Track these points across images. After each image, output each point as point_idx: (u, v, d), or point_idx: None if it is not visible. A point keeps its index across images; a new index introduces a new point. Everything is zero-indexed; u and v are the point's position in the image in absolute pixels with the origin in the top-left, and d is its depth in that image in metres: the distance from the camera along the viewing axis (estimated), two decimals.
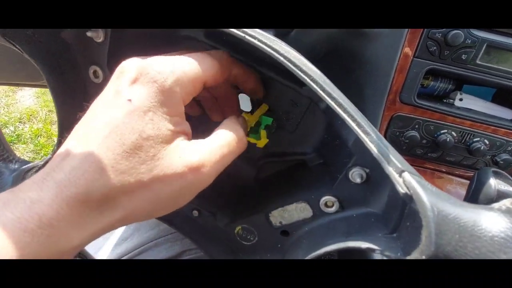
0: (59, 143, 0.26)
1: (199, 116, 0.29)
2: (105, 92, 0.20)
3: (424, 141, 0.38)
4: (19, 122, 1.50)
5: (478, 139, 0.37)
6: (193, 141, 0.21)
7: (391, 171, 0.16)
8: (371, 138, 0.16)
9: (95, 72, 0.26)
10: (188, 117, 0.22)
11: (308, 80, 0.18)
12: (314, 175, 0.26)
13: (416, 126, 0.38)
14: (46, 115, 1.58)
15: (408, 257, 0.14)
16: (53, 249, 0.16)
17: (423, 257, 0.13)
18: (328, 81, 0.20)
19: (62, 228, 0.16)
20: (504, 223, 0.13)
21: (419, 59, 0.35)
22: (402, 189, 0.15)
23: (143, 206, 0.19)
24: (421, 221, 0.13)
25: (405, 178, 0.15)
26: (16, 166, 0.24)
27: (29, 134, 1.49)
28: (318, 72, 0.20)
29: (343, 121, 0.17)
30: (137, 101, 0.18)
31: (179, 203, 0.20)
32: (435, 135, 0.38)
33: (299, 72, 0.18)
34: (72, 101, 0.26)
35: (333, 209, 0.23)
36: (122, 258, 0.38)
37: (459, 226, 0.13)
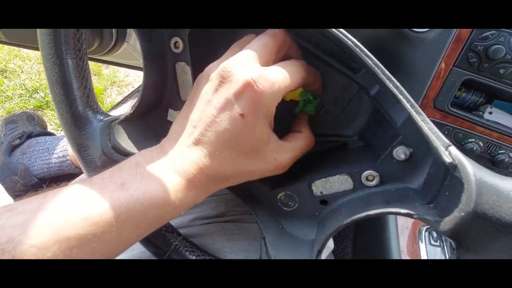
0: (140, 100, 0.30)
1: None
2: (215, 96, 0.24)
3: None
4: None
5: (504, 151, 0.39)
6: (281, 142, 0.27)
7: (439, 144, 0.18)
8: (422, 118, 0.19)
9: (176, 43, 0.29)
10: None
11: (371, 63, 0.20)
12: (355, 154, 0.28)
13: (446, 132, 0.40)
14: None
15: (447, 218, 0.16)
16: (195, 200, 0.24)
17: (462, 214, 0.15)
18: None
19: (202, 189, 0.24)
20: None
21: (458, 69, 0.37)
22: (448, 159, 0.17)
23: (240, 182, 0.27)
24: (463, 186, 0.16)
25: (451, 151, 0.17)
26: (102, 117, 0.27)
27: None
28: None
29: (395, 103, 0.20)
30: (249, 117, 0.23)
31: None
32: (463, 143, 0.39)
33: (363, 55, 0.20)
34: (156, 65, 0.29)
35: (373, 183, 0.25)
36: None
37: (497, 190, 0.15)
